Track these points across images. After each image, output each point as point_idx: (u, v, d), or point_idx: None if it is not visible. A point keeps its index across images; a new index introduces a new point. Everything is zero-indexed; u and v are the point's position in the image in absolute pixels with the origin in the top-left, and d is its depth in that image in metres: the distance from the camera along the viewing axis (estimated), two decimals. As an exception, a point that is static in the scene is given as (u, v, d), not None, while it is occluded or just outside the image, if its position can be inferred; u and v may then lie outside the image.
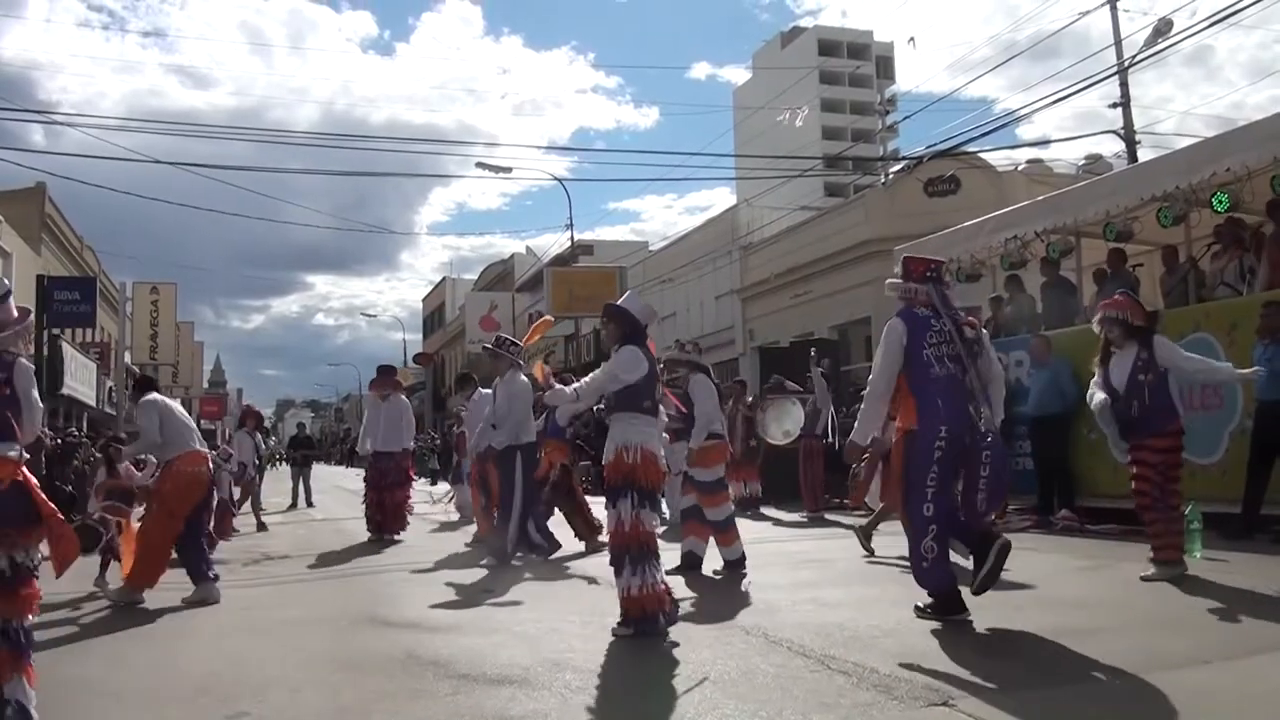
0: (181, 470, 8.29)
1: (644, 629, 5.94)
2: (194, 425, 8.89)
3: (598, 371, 6.58)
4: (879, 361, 6.41)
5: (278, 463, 42.69)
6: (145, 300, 49.79)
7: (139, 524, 8.44)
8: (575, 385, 6.71)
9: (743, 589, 7.89)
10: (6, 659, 4.43)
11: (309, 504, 21.56)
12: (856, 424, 6.60)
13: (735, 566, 8.67)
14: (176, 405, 8.90)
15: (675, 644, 5.73)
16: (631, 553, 6.09)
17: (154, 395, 8.66)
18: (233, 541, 13.31)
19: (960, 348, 6.21)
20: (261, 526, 15.92)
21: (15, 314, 4.82)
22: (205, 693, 5.13)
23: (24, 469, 4.65)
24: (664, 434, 6.86)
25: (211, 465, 8.87)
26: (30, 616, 4.58)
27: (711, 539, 8.80)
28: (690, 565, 8.70)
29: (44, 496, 4.79)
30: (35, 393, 4.86)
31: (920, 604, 6.20)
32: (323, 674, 5.44)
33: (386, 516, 13.22)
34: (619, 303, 6.71)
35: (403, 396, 14.23)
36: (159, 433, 8.35)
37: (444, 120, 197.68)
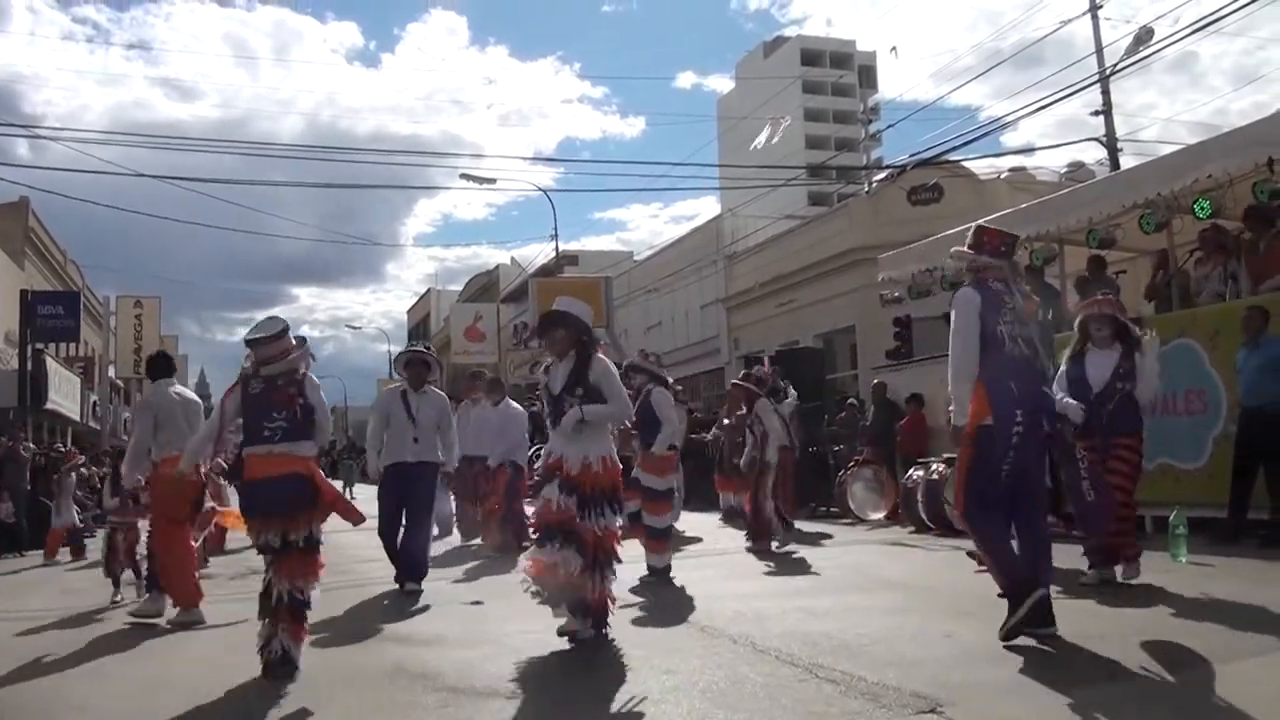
0: (164, 473, 7.83)
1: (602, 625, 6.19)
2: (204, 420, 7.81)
3: (611, 384, 6.38)
4: (958, 338, 5.75)
5: None
6: (129, 314, 49.47)
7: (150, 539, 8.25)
8: (607, 406, 6.28)
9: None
10: (286, 615, 5.70)
11: None
12: (953, 411, 5.85)
13: (661, 575, 8.77)
14: (189, 399, 8.49)
15: (662, 653, 5.72)
16: (614, 557, 6.30)
17: (150, 397, 8.36)
18: (219, 556, 13.25)
19: (1033, 330, 5.76)
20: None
21: (294, 342, 6.16)
22: (194, 708, 5.10)
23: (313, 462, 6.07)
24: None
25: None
26: (315, 584, 5.91)
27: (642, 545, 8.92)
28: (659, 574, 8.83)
29: (328, 483, 6.23)
30: (324, 400, 6.27)
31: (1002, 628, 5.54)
32: (311, 688, 5.41)
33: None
34: (562, 308, 6.52)
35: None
36: (151, 437, 8.06)
37: (430, 131, 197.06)
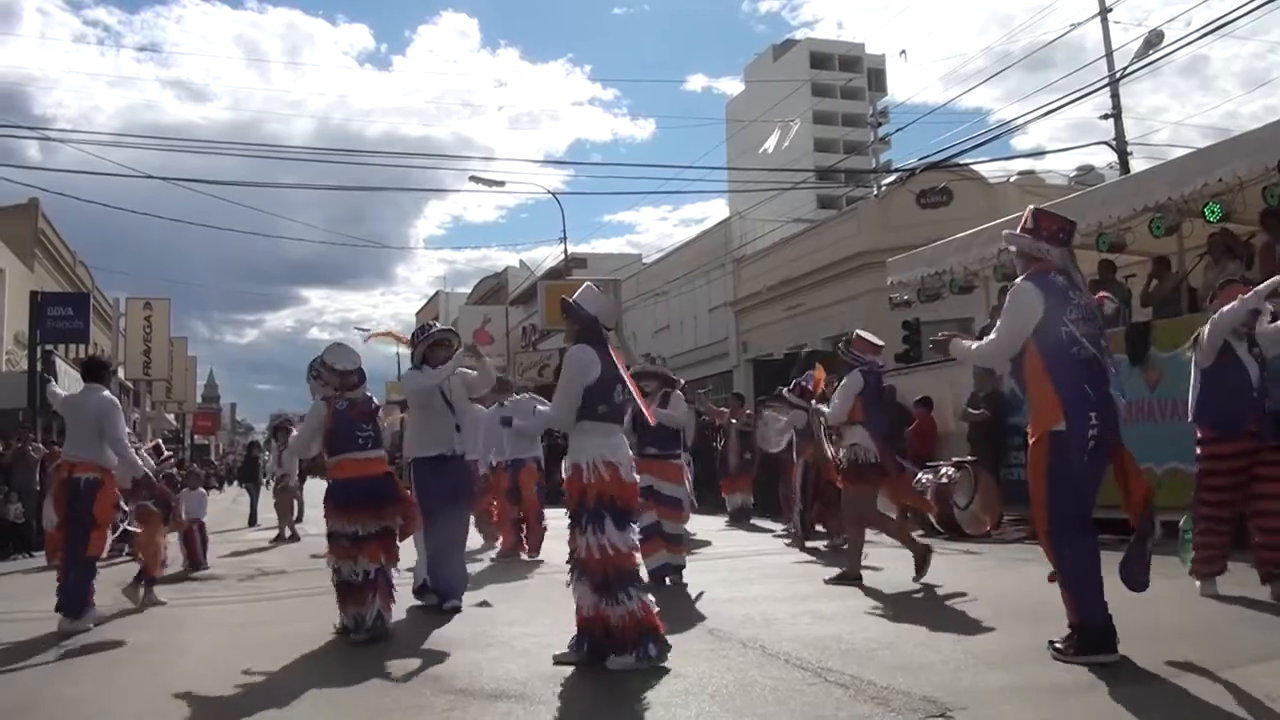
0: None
1: (645, 652, 5.47)
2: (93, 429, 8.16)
3: (559, 384, 5.89)
4: (1005, 328, 5.40)
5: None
6: (139, 315, 49.64)
7: None
8: (542, 408, 6.39)
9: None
10: (384, 588, 7.02)
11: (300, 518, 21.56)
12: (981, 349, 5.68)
13: (676, 574, 8.83)
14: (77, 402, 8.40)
15: (671, 657, 5.71)
16: (610, 579, 5.55)
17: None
18: (229, 558, 13.28)
19: (1100, 326, 5.34)
20: (294, 537, 16.71)
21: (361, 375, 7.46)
22: (200, 711, 5.12)
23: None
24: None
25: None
26: (397, 561, 7.26)
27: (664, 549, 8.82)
28: (660, 578, 8.62)
29: (400, 483, 7.53)
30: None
31: (1057, 641, 5.29)
32: (318, 690, 5.42)
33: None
34: (574, 298, 5.97)
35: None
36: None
37: (440, 133, 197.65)
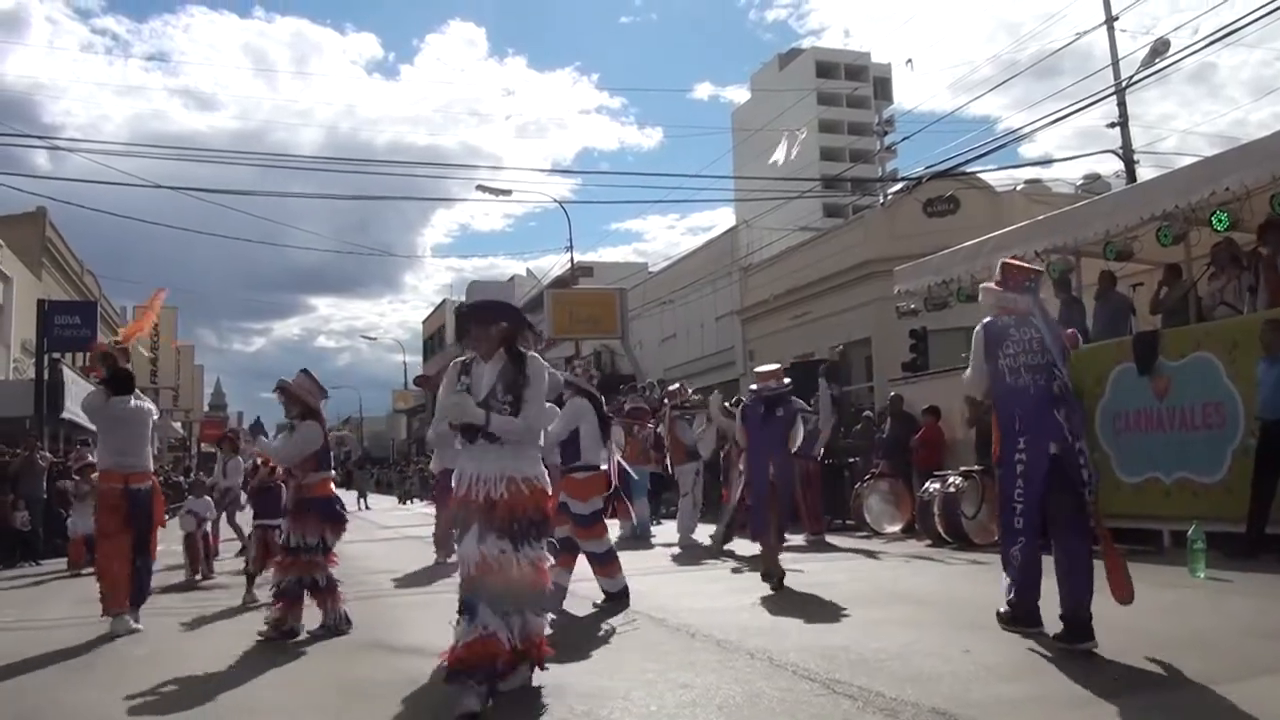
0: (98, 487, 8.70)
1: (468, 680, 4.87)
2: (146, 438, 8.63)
3: (537, 389, 5.33)
4: (970, 366, 6.55)
5: None
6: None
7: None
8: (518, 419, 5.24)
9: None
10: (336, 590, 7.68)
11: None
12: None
13: (618, 599, 8.30)
14: (134, 412, 8.56)
15: (679, 667, 5.70)
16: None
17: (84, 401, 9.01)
18: (236, 561, 13.26)
19: (1053, 357, 5.98)
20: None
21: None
22: (203, 717, 5.12)
23: None
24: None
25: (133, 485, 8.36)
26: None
27: (591, 571, 8.51)
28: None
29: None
30: None
31: (1000, 609, 6.31)
32: (324, 700, 5.42)
33: None
34: (499, 297, 5.83)
35: None
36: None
37: (448, 142, 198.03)
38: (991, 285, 6.40)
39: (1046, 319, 6.17)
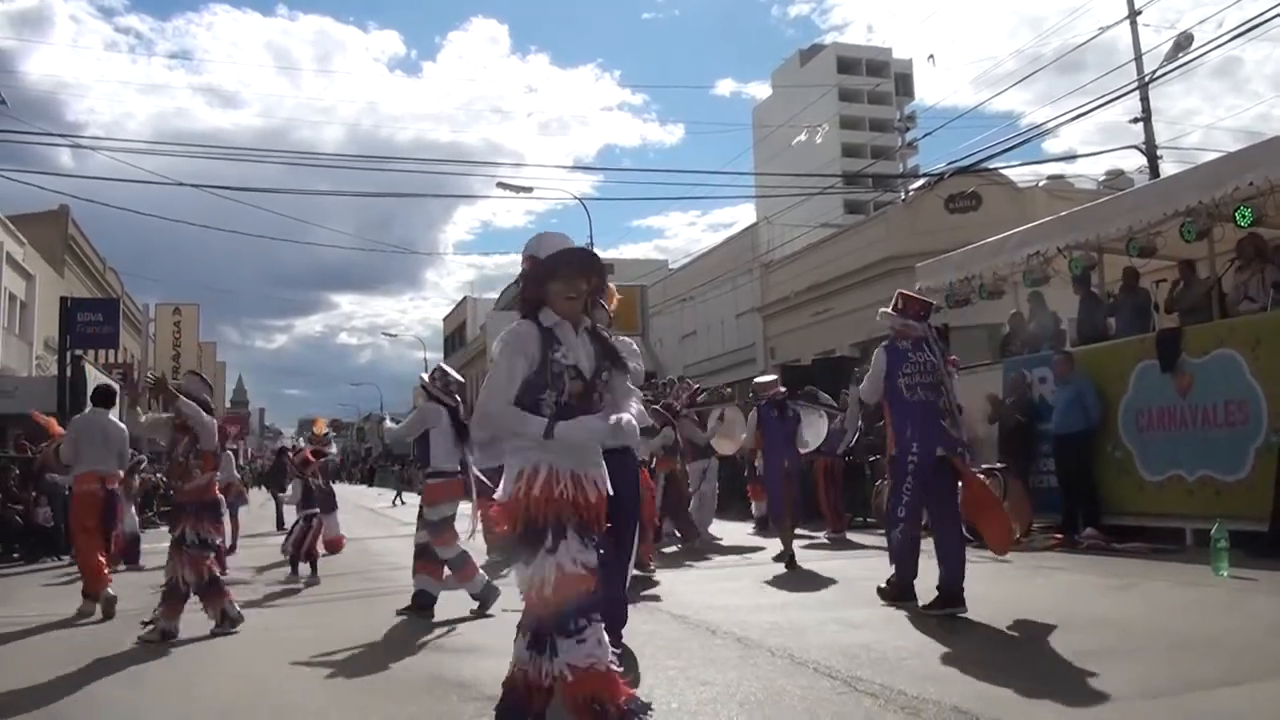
0: (76, 489, 9.85)
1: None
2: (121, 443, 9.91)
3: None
4: (868, 377, 7.72)
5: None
6: (168, 321, 50.10)
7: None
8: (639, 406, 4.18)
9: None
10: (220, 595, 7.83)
11: None
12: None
13: (485, 598, 8.23)
14: (111, 424, 9.85)
15: (700, 664, 5.69)
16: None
17: (80, 416, 10.25)
18: (252, 559, 13.32)
19: (941, 376, 7.33)
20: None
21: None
22: (228, 716, 5.14)
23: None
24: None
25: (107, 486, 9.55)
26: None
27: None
28: (422, 605, 8.27)
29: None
30: None
31: (880, 585, 7.67)
32: (347, 696, 5.43)
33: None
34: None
35: None
36: (72, 454, 9.62)
37: (470, 139, 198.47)
38: (890, 311, 7.62)
39: (937, 345, 7.52)
